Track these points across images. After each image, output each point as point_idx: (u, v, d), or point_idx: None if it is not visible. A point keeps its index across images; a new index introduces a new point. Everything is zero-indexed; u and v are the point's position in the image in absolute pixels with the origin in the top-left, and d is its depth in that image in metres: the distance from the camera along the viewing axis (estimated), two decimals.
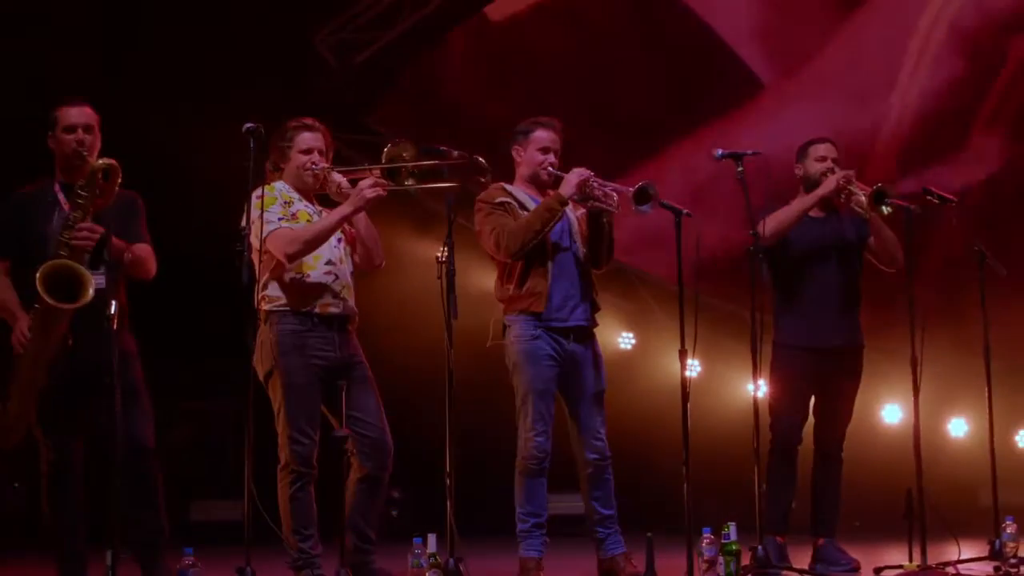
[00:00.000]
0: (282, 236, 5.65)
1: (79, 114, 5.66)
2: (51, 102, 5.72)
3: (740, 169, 6.11)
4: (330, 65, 10.66)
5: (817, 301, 6.73)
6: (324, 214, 5.84)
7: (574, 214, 6.33)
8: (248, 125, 5.37)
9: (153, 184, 6.00)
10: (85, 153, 5.54)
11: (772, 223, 6.55)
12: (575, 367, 6.21)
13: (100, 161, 5.47)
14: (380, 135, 10.12)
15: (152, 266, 5.74)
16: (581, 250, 6.30)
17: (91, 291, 5.22)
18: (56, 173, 5.72)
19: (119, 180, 5.50)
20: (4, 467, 9.15)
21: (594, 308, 6.32)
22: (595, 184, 6.11)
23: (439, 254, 5.54)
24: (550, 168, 6.27)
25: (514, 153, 6.37)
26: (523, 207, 6.23)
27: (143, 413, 5.67)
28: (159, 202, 6.05)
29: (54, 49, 9.02)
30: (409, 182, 5.67)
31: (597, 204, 6.14)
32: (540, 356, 6.13)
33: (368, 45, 10.78)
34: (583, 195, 6.15)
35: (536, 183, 6.34)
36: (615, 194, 6.11)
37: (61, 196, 5.63)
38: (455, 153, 5.73)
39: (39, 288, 5.22)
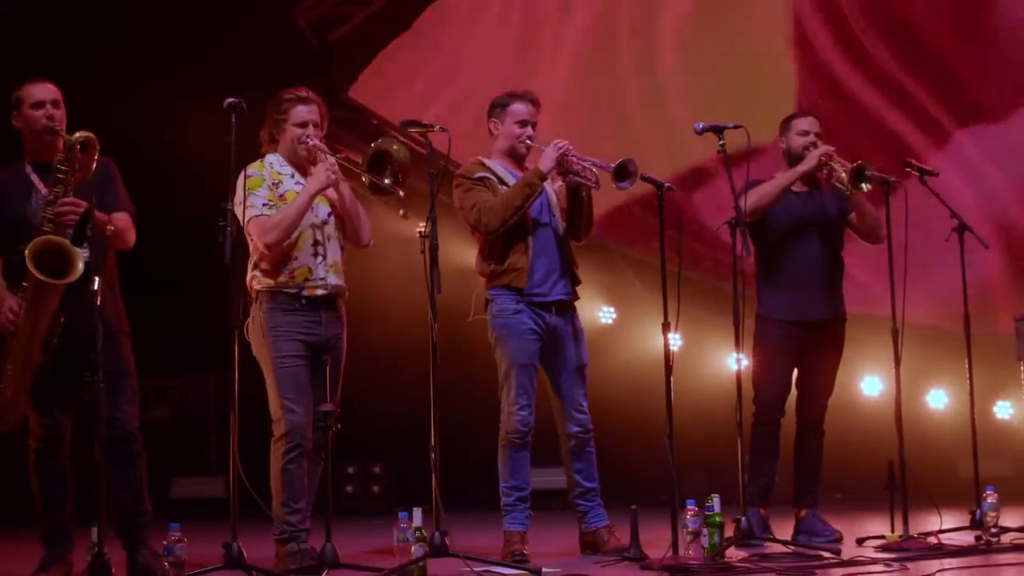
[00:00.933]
0: (260, 225, 5.69)
1: (44, 90, 5.60)
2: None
3: (722, 143, 6.10)
4: (309, 40, 10.63)
5: (799, 275, 6.75)
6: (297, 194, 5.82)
7: (553, 187, 6.34)
8: (229, 100, 5.36)
9: (129, 159, 5.97)
10: (57, 128, 5.50)
11: (753, 198, 6.57)
12: (557, 341, 6.25)
13: (77, 134, 5.42)
14: (361, 112, 10.14)
15: (131, 236, 5.70)
16: (561, 224, 6.32)
17: (80, 266, 5.19)
18: (25, 154, 5.67)
19: (97, 152, 5.47)
20: None
21: (574, 282, 6.36)
22: (574, 158, 6.12)
23: (421, 229, 5.54)
24: (528, 141, 6.29)
25: (491, 127, 6.38)
26: (502, 182, 6.24)
27: (128, 394, 5.66)
28: (139, 176, 6.03)
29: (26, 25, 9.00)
30: (387, 181, 5.67)
31: (575, 179, 6.15)
32: (522, 330, 6.17)
33: (347, 20, 10.76)
34: (562, 169, 6.16)
35: (514, 157, 6.35)
36: (595, 168, 6.12)
37: (34, 177, 5.59)
38: (436, 127, 5.73)
39: (29, 264, 5.19)
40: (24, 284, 5.34)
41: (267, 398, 5.75)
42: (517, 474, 6.19)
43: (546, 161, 6.10)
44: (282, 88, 5.95)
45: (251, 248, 5.78)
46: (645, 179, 5.99)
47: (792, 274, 6.75)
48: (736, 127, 6.17)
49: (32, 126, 5.57)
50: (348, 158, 5.83)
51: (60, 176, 5.39)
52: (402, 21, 11.12)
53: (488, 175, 6.25)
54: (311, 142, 5.81)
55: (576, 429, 6.27)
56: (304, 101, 5.88)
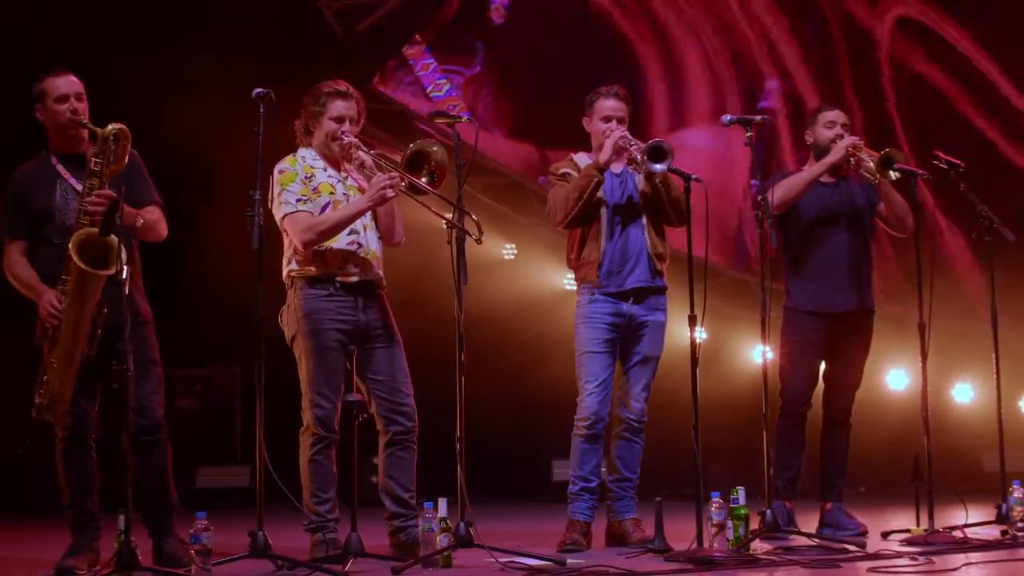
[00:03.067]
0: (297, 223, 5.66)
1: (68, 83, 5.61)
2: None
3: (749, 135, 6.10)
4: (335, 32, 10.63)
5: (827, 266, 6.72)
6: (349, 181, 5.84)
7: (638, 175, 6.35)
8: (258, 90, 5.36)
9: (156, 150, 5.98)
10: (82, 120, 5.52)
11: (780, 191, 6.55)
12: (633, 329, 6.30)
13: (111, 126, 5.43)
14: (389, 104, 10.15)
15: (163, 228, 5.73)
16: (643, 211, 6.33)
17: (123, 257, 5.20)
18: (50, 146, 5.68)
19: (129, 143, 5.50)
20: (11, 431, 9.20)
21: (654, 270, 6.34)
22: (633, 147, 6.14)
23: (448, 219, 5.54)
24: (616, 135, 6.22)
25: (584, 124, 6.45)
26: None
27: (154, 383, 5.68)
28: (164, 165, 6.04)
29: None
30: (424, 180, 5.63)
31: (636, 167, 6.20)
32: (596, 317, 6.26)
33: (373, 11, 10.76)
34: (627, 159, 6.23)
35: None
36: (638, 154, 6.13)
37: (60, 168, 5.61)
38: (464, 117, 5.74)
39: (74, 256, 5.21)
40: (64, 277, 5.37)
41: (295, 387, 5.76)
42: (585, 464, 6.27)
43: (603, 152, 6.17)
44: (308, 80, 5.95)
45: (285, 239, 5.79)
46: (672, 171, 5.99)
47: (819, 265, 6.73)
48: (763, 119, 6.17)
49: (57, 119, 5.59)
50: (384, 155, 5.81)
51: (95, 169, 5.42)
52: (429, 12, 11.13)
53: (571, 171, 6.34)
54: (346, 139, 5.78)
55: (629, 416, 6.32)
56: (343, 96, 5.84)
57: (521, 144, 11.19)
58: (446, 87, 11.10)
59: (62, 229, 5.49)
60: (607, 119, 6.32)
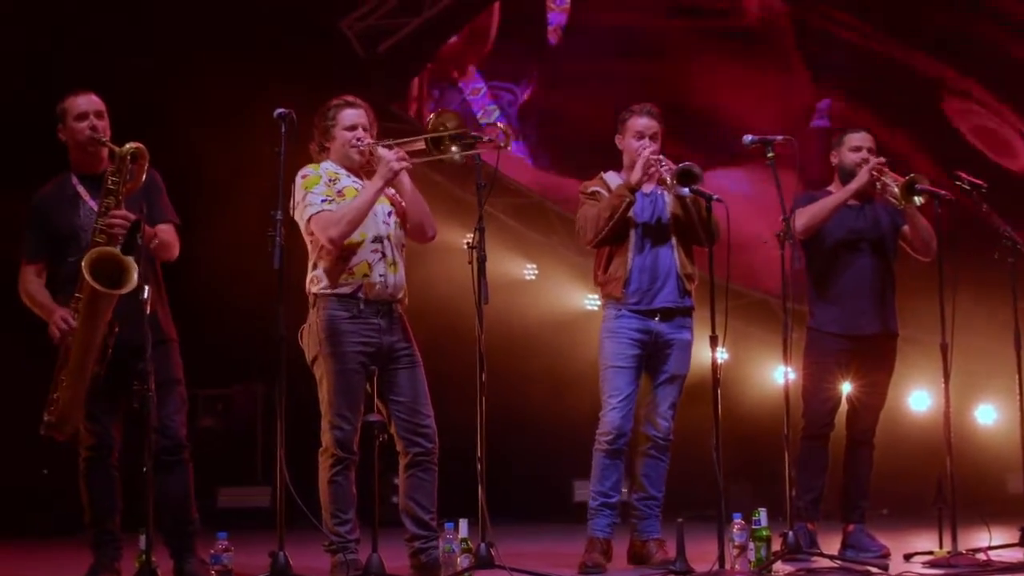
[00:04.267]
0: (322, 220, 5.61)
1: (88, 102, 5.63)
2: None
3: (771, 155, 6.09)
4: (356, 53, 10.67)
5: (851, 289, 6.70)
6: (361, 190, 5.77)
7: (668, 195, 6.34)
8: (279, 111, 5.36)
9: (177, 170, 6.01)
10: (102, 139, 5.55)
11: (804, 217, 6.55)
12: (660, 347, 6.30)
13: (128, 145, 5.45)
14: (409, 123, 10.16)
15: (175, 249, 5.73)
16: (672, 231, 6.33)
17: (135, 277, 5.21)
18: (71, 166, 5.71)
19: (147, 163, 5.51)
20: (32, 453, 9.22)
21: (683, 290, 6.34)
22: (664, 168, 6.13)
23: (469, 240, 5.54)
24: (647, 154, 6.22)
25: (616, 141, 6.47)
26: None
27: (177, 402, 5.68)
28: (185, 185, 6.06)
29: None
30: (453, 150, 5.65)
31: (666, 187, 6.21)
32: (621, 333, 6.26)
33: (394, 32, 10.79)
34: (657, 179, 6.23)
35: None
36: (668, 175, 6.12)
37: (81, 188, 5.63)
38: (487, 138, 5.73)
39: (86, 275, 5.22)
40: (77, 295, 5.38)
41: (316, 407, 5.75)
42: (604, 480, 6.26)
43: (634, 172, 6.18)
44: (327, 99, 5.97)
45: (310, 249, 5.75)
46: (695, 192, 5.98)
47: (843, 287, 6.71)
48: (785, 139, 6.16)
49: (76, 137, 5.61)
50: (405, 142, 5.77)
51: (111, 187, 5.43)
52: (449, 34, 11.17)
53: (601, 189, 6.35)
54: (364, 143, 5.78)
55: (656, 434, 6.31)
56: (351, 105, 5.85)
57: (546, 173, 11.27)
58: (495, 114, 11.12)
59: (82, 251, 5.51)
60: (639, 136, 6.33)
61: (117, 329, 5.34)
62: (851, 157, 6.76)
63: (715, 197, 5.94)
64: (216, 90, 9.16)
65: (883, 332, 6.74)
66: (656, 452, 6.32)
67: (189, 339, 5.88)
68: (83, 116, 5.59)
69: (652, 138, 6.32)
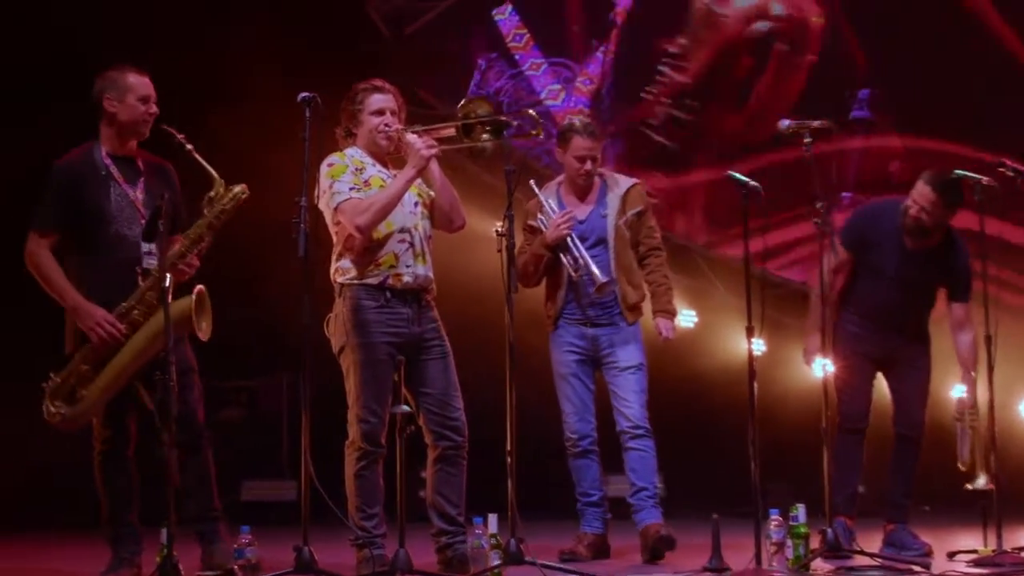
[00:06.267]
0: (351, 208, 5.59)
1: (149, 84, 5.74)
2: None
3: (808, 141, 6.03)
4: (382, 35, 10.64)
5: (882, 321, 6.77)
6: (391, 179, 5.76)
7: (609, 217, 6.62)
8: (303, 95, 5.34)
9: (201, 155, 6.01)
10: (180, 141, 5.63)
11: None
12: (602, 347, 6.60)
13: (239, 188, 5.72)
14: (434, 108, 10.13)
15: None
16: (613, 258, 6.60)
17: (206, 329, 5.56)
18: (103, 139, 5.73)
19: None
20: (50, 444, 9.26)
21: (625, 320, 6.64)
22: (572, 247, 6.49)
23: (499, 228, 5.52)
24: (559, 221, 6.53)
25: (556, 154, 6.77)
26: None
27: (196, 391, 5.72)
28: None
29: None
30: (484, 137, 5.63)
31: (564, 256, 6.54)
32: (561, 343, 6.63)
33: (422, 14, 10.77)
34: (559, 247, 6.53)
35: (575, 187, 6.72)
36: (582, 267, 6.47)
37: (114, 170, 5.66)
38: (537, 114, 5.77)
39: (193, 313, 5.49)
40: (136, 306, 5.51)
41: (342, 398, 5.74)
42: (582, 481, 6.64)
43: (549, 232, 6.53)
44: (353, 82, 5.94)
45: (335, 238, 5.74)
46: (731, 179, 5.93)
47: (875, 317, 6.77)
48: (823, 125, 6.10)
49: (133, 116, 5.68)
50: (435, 128, 5.77)
51: (213, 221, 5.67)
52: (480, 15, 11.13)
53: (537, 224, 6.65)
54: (392, 128, 5.76)
55: (627, 424, 6.53)
56: (379, 90, 5.82)
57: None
58: (562, 95, 11.05)
59: (117, 241, 5.55)
60: (581, 159, 6.60)
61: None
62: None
63: (753, 184, 5.88)
64: (237, 74, 9.13)
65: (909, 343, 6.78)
66: (633, 443, 6.51)
67: (213, 330, 5.87)
68: (147, 99, 5.70)
69: (594, 161, 6.62)
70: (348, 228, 5.63)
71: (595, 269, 6.39)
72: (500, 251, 5.46)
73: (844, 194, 5.98)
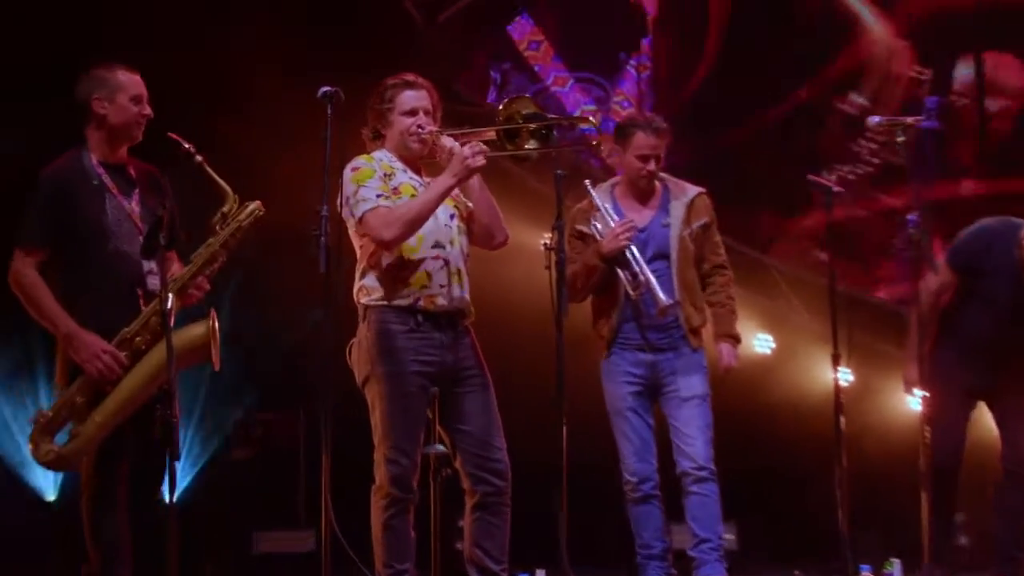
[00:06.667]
0: (379, 217, 5.58)
1: (141, 83, 5.76)
2: None
3: (901, 139, 6.05)
4: (416, 23, 10.69)
5: (990, 347, 6.75)
6: (426, 187, 5.74)
7: (672, 225, 6.62)
8: (324, 89, 5.38)
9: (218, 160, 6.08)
10: (186, 147, 5.63)
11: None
12: (662, 375, 6.57)
13: (255, 205, 5.74)
14: (473, 104, 10.17)
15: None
16: (677, 274, 6.61)
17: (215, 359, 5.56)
18: (91, 145, 5.74)
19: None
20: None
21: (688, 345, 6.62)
22: (631, 258, 6.46)
23: (547, 241, 5.55)
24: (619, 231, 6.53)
25: (615, 156, 6.79)
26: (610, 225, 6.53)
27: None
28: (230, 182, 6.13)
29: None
30: (531, 144, 5.64)
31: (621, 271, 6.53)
32: (616, 371, 6.59)
33: (455, 2, 10.83)
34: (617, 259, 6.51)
35: (634, 191, 6.72)
36: (644, 284, 6.45)
37: (107, 179, 5.68)
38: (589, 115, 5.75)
39: (214, 352, 5.53)
40: (139, 332, 5.52)
41: (367, 437, 5.73)
42: (643, 531, 6.57)
43: (606, 241, 6.51)
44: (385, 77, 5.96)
45: (359, 252, 5.73)
46: (810, 182, 5.97)
47: (978, 346, 6.76)
48: (916, 121, 6.11)
49: (125, 117, 5.70)
50: (474, 131, 5.76)
51: (228, 240, 5.68)
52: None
53: (586, 228, 6.66)
54: (426, 130, 5.76)
55: (688, 465, 6.48)
56: (412, 86, 5.82)
57: None
58: (598, 118, 10.98)
59: (117, 259, 5.56)
60: (644, 158, 6.59)
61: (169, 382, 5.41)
62: None
63: (835, 188, 5.90)
64: (241, 69, 9.18)
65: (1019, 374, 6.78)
66: (696, 486, 6.46)
67: (226, 357, 5.92)
68: (140, 99, 5.72)
69: (656, 159, 6.60)
70: (374, 241, 5.64)
71: (658, 288, 6.39)
72: (548, 267, 5.48)
73: (910, 217, 5.90)
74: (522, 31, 11.26)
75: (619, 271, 6.53)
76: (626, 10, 11.41)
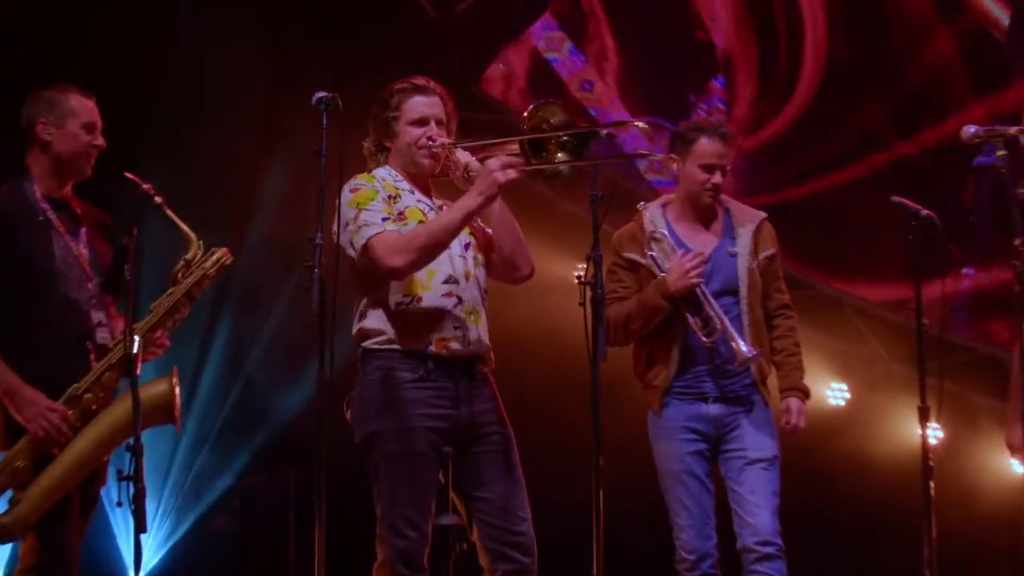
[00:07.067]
0: (385, 243, 5.47)
1: (95, 110, 5.81)
2: None
3: (1001, 154, 5.99)
4: (427, 15, 10.71)
5: None
6: (446, 209, 5.68)
7: (740, 254, 6.58)
8: (320, 94, 5.33)
9: (184, 179, 6.07)
10: (147, 189, 5.70)
11: None
12: (726, 431, 6.49)
13: (221, 253, 5.84)
14: (498, 110, 10.17)
15: None
16: (744, 297, 6.55)
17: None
18: (34, 178, 5.78)
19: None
20: None
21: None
22: (704, 298, 6.42)
23: (580, 273, 5.49)
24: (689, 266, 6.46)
25: (673, 166, 6.65)
26: (672, 251, 6.51)
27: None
28: (198, 198, 6.11)
29: None
30: (560, 156, 5.53)
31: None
32: (671, 428, 6.49)
33: None
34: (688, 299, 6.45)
35: (694, 211, 6.63)
36: (720, 327, 6.39)
37: (53, 215, 5.72)
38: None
39: (175, 407, 5.58)
40: (84, 393, 5.55)
41: (369, 505, 5.66)
42: None
43: (672, 277, 6.43)
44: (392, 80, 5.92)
45: (359, 288, 5.65)
46: (895, 205, 5.92)
47: None
48: (1020, 132, 6.06)
49: (73, 147, 5.76)
50: (493, 144, 5.65)
51: (192, 292, 5.79)
52: None
53: (642, 259, 6.58)
54: (438, 142, 5.69)
55: (751, 540, 6.39)
56: (421, 91, 5.74)
57: None
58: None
59: (65, 307, 5.63)
60: (708, 168, 6.52)
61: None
62: None
63: (924, 213, 5.84)
64: (234, 65, 9.19)
65: None
66: (761, 567, 6.39)
67: (198, 411, 5.90)
68: (92, 127, 5.77)
69: (723, 170, 6.54)
70: (381, 270, 5.53)
71: (738, 336, 6.33)
72: (582, 304, 5.42)
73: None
74: (571, 69, 11.23)
75: (687, 315, 6.45)
76: (694, 46, 11.40)
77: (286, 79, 7.61)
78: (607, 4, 11.31)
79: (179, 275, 5.74)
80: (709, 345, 6.39)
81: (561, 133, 5.46)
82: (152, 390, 5.55)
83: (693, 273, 6.37)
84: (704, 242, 6.58)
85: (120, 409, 5.51)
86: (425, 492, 5.55)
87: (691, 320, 6.40)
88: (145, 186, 5.66)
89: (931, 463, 5.61)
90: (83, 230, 5.78)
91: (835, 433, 10.18)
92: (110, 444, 5.51)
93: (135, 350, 5.14)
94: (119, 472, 5.13)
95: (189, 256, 5.77)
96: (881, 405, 10.34)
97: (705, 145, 6.51)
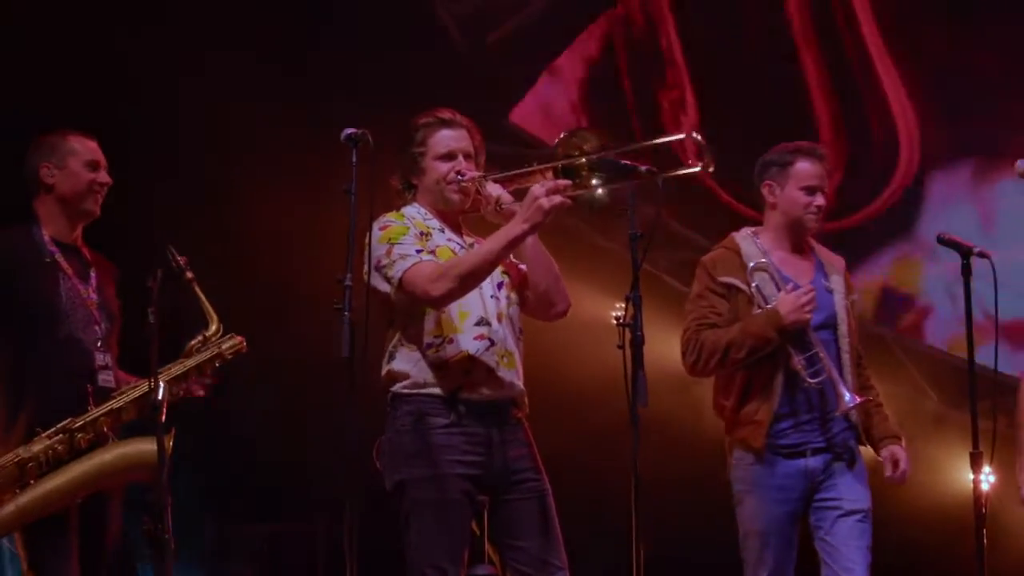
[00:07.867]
0: (423, 273, 5.46)
1: (97, 150, 5.96)
2: None
3: None
4: (456, 44, 10.74)
5: None
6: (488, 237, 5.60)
7: (837, 290, 6.50)
8: (348, 131, 5.36)
9: (199, 222, 6.12)
10: (178, 264, 5.79)
11: None
12: (820, 481, 6.35)
13: (237, 340, 5.99)
14: (529, 144, 10.18)
15: None
16: (843, 335, 6.46)
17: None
18: (42, 221, 5.89)
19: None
20: None
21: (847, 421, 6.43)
22: (813, 337, 6.33)
23: (619, 314, 5.49)
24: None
25: (765, 191, 6.56)
26: (774, 286, 6.39)
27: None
28: (218, 240, 6.14)
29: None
30: (595, 182, 5.50)
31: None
32: (764, 485, 6.35)
33: (508, 18, 10.87)
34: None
35: (790, 241, 6.55)
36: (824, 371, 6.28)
37: (61, 258, 5.83)
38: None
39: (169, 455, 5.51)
40: (76, 431, 5.60)
41: (399, 554, 5.66)
42: None
43: (786, 308, 6.29)
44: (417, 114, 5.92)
45: (390, 328, 5.67)
46: (943, 242, 5.94)
47: None
48: None
49: (75, 187, 5.89)
50: (525, 174, 5.64)
51: (201, 365, 5.87)
52: (582, 23, 11.23)
53: (738, 283, 6.43)
54: (467, 176, 5.68)
55: None
56: (448, 124, 5.74)
57: None
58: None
59: (69, 346, 5.72)
60: (810, 190, 6.46)
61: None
62: None
63: (977, 249, 5.87)
64: (259, 103, 9.23)
65: None
66: None
67: (219, 457, 5.94)
68: (96, 165, 5.91)
69: (824, 193, 6.48)
70: (420, 299, 5.52)
71: (841, 382, 6.26)
72: (621, 347, 5.41)
73: None
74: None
75: (793, 353, 6.35)
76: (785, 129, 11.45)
77: (315, 116, 7.63)
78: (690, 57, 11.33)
79: (194, 349, 5.87)
80: (812, 387, 6.30)
81: (592, 154, 5.38)
82: (143, 446, 5.58)
83: (808, 308, 6.28)
84: (801, 272, 6.53)
85: (109, 456, 5.56)
86: (457, 541, 5.56)
87: (796, 358, 6.32)
88: (180, 260, 5.74)
89: (983, 510, 5.60)
90: (93, 274, 5.89)
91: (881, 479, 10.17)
92: (89, 486, 5.56)
93: (160, 396, 5.19)
94: (144, 520, 5.15)
95: (208, 332, 5.92)
96: (931, 450, 10.32)
97: (805, 167, 6.48)
